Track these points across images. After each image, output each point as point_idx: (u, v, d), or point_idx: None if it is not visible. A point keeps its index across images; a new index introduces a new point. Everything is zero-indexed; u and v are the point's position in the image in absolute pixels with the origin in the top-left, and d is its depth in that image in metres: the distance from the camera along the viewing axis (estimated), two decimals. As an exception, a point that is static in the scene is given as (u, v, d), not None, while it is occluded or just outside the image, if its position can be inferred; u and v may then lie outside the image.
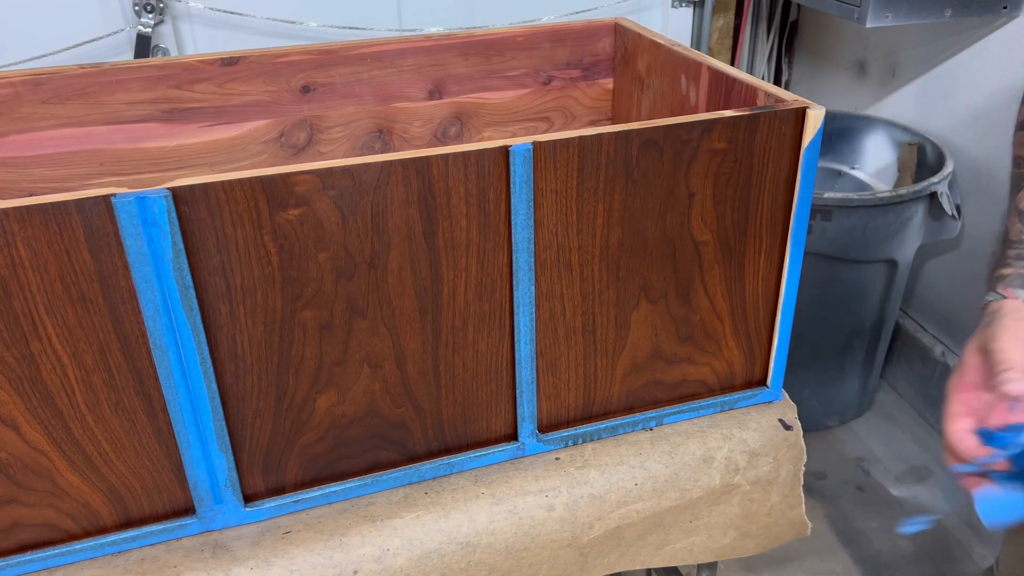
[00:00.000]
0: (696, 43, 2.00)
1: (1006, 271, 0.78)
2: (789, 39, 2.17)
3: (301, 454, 0.76)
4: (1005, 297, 0.75)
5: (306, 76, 1.02)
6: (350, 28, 1.68)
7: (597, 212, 0.74)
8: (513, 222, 0.71)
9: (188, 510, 0.76)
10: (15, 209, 0.59)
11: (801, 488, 0.90)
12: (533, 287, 0.75)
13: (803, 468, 0.89)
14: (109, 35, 1.55)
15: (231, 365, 0.70)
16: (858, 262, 1.62)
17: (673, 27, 1.96)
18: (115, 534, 0.74)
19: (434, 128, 1.11)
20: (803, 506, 0.91)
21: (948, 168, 1.58)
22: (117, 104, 0.96)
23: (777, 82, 2.21)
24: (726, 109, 0.81)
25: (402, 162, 0.66)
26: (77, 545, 0.73)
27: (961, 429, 0.69)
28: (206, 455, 0.72)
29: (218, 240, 0.64)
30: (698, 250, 0.79)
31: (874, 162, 1.86)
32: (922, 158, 1.72)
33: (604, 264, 0.77)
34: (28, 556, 0.72)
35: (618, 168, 0.72)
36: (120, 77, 0.95)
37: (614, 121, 1.17)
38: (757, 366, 0.89)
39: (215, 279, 0.66)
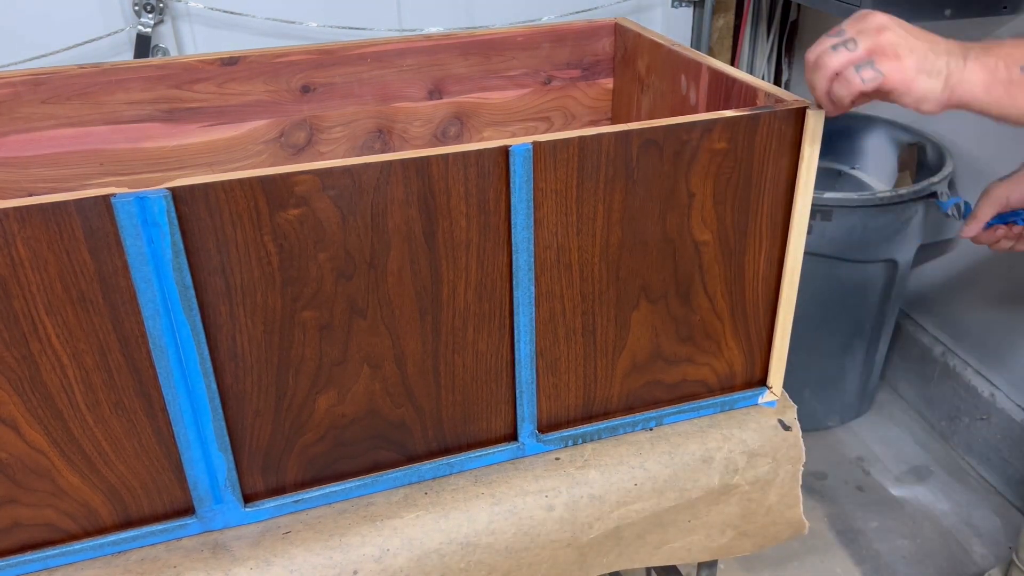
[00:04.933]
0: (696, 43, 2.00)
1: None
2: (789, 39, 2.17)
3: (301, 454, 0.76)
4: None
5: (306, 76, 1.02)
6: (350, 28, 1.68)
7: (597, 212, 0.74)
8: (513, 222, 0.71)
9: (188, 510, 0.76)
10: (15, 209, 0.59)
11: (799, 488, 0.90)
12: (533, 287, 0.75)
13: (802, 468, 0.89)
14: (109, 35, 1.55)
15: (231, 365, 0.70)
16: (858, 262, 1.62)
17: (673, 27, 1.96)
18: (115, 534, 0.74)
19: (434, 128, 1.11)
20: (801, 506, 0.91)
21: (948, 168, 1.58)
22: (117, 104, 0.96)
23: (777, 82, 2.21)
24: (726, 109, 0.81)
25: (402, 162, 0.66)
26: (77, 545, 0.73)
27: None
28: (206, 455, 0.72)
29: (218, 240, 0.64)
30: (698, 250, 0.79)
31: (874, 162, 1.86)
32: (922, 158, 1.72)
33: (604, 264, 0.77)
34: (28, 556, 0.72)
35: (618, 168, 0.72)
36: (120, 77, 0.95)
37: (614, 121, 1.17)
38: (757, 366, 0.89)
39: (215, 279, 0.66)
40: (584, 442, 0.86)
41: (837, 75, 0.71)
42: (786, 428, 0.89)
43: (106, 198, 0.60)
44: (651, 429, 0.88)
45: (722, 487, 0.86)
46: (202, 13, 1.60)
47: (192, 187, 0.62)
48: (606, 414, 0.86)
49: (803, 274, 0.85)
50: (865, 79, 0.69)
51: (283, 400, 0.73)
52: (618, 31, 1.11)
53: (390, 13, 1.72)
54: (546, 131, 1.15)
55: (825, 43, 0.72)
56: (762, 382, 0.91)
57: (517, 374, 0.79)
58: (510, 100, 1.12)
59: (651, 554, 0.87)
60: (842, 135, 1.88)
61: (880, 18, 0.71)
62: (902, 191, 1.51)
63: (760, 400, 0.91)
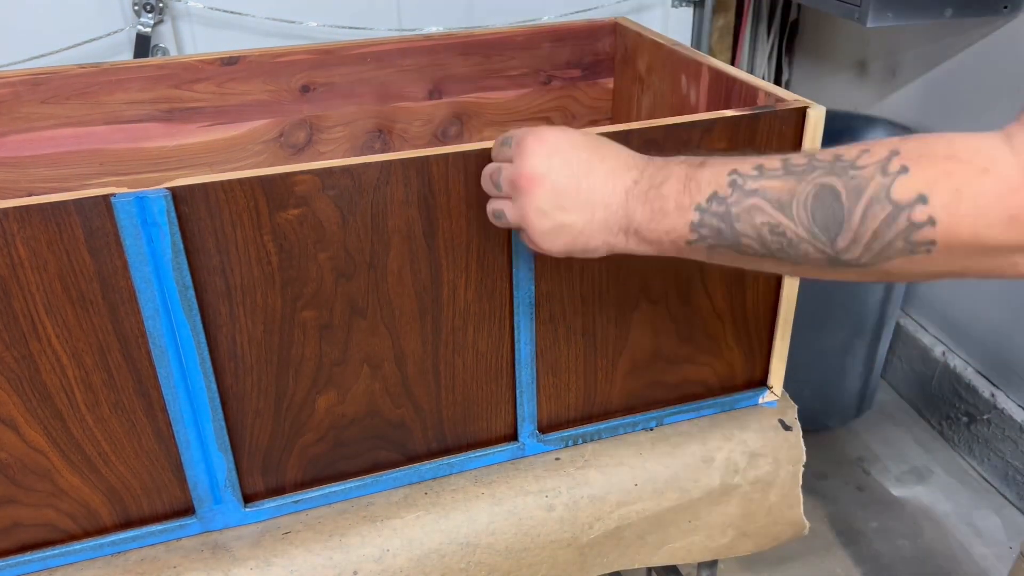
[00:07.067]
0: (696, 43, 2.00)
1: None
2: (789, 39, 2.16)
3: (301, 454, 0.76)
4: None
5: (306, 76, 1.02)
6: (350, 28, 1.68)
7: (597, 212, 0.74)
8: (513, 222, 0.71)
9: (188, 510, 0.75)
10: (15, 209, 0.59)
11: (800, 488, 0.90)
12: (533, 287, 0.75)
13: (802, 468, 0.89)
14: (108, 35, 1.55)
15: (231, 365, 0.70)
16: (858, 262, 1.61)
17: (673, 27, 1.96)
18: (115, 534, 0.74)
19: (434, 128, 1.11)
20: (801, 506, 0.91)
21: (948, 168, 1.58)
22: (117, 104, 0.96)
23: (777, 82, 2.21)
24: (726, 109, 0.81)
25: (402, 162, 0.66)
26: (77, 545, 0.73)
27: None
28: (206, 455, 0.72)
29: (218, 240, 0.64)
30: (698, 250, 0.79)
31: (874, 162, 1.86)
32: (922, 158, 1.72)
33: (604, 264, 0.77)
34: (28, 556, 0.72)
35: (618, 168, 0.72)
36: (120, 77, 0.95)
37: (614, 121, 1.17)
38: (757, 366, 0.89)
39: (215, 279, 0.66)
40: (584, 442, 0.86)
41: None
42: (787, 428, 0.89)
43: (106, 198, 0.60)
44: (652, 429, 0.88)
45: (723, 487, 0.86)
46: (202, 13, 1.60)
47: (192, 187, 0.62)
48: (606, 414, 0.86)
49: (803, 274, 0.84)
50: (502, 222, 0.63)
51: (283, 400, 0.73)
52: (618, 31, 1.11)
53: (390, 13, 1.72)
54: (546, 131, 1.14)
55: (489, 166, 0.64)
56: (763, 382, 0.91)
57: (517, 374, 0.79)
58: (510, 100, 1.12)
59: (651, 554, 0.87)
60: (842, 135, 1.88)
61: (534, 163, 0.57)
62: (902, 191, 1.51)
63: (761, 400, 0.91)
